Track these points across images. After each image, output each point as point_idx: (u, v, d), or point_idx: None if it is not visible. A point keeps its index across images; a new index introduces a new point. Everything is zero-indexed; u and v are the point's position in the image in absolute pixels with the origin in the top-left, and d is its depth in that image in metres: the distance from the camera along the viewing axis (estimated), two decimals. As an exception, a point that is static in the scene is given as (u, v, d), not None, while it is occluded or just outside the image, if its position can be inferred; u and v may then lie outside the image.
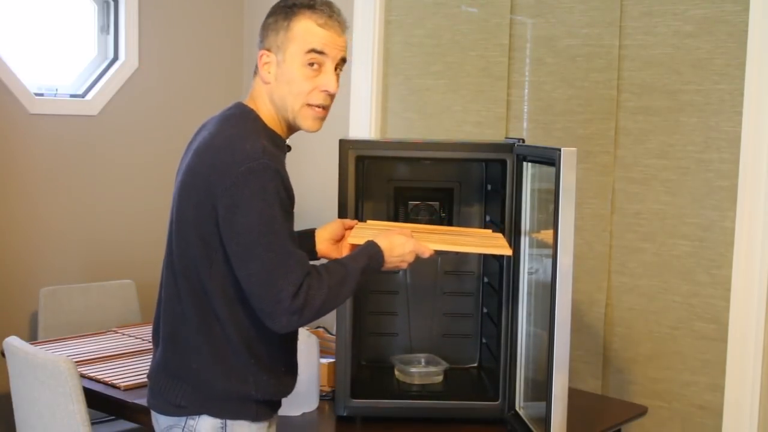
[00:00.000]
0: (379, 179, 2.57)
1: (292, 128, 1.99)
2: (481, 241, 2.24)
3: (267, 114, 1.94)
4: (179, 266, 1.89)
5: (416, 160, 2.62)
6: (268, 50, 1.92)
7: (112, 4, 3.55)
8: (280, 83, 1.92)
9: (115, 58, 3.57)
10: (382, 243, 1.96)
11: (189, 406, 1.89)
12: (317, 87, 1.92)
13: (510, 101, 3.19)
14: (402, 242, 1.98)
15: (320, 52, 1.90)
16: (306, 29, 1.90)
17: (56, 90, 3.45)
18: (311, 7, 1.92)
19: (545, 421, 2.12)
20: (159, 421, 1.97)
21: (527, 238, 2.38)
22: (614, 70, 2.93)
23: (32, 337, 3.26)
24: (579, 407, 2.51)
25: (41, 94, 3.38)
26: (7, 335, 2.67)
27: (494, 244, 2.21)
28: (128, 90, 3.57)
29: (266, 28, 1.94)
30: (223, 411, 1.89)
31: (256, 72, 1.97)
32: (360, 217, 2.51)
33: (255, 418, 1.91)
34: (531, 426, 2.27)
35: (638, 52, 2.89)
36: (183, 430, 1.90)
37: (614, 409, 2.67)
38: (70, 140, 3.44)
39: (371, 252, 1.94)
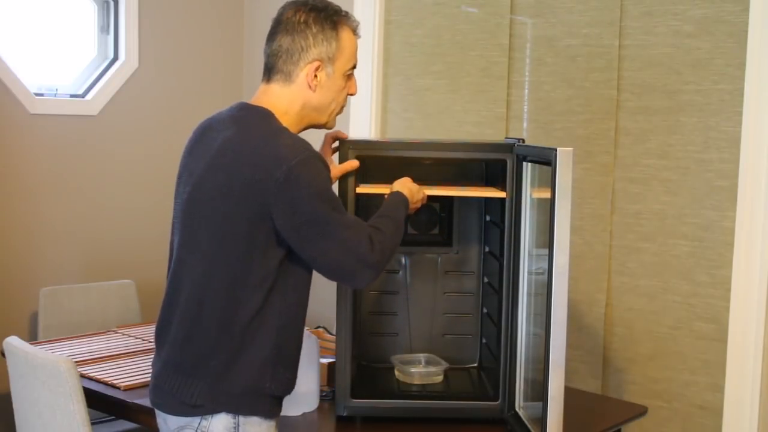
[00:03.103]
0: (379, 179, 2.56)
1: (305, 128, 2.05)
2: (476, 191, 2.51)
3: (283, 114, 1.98)
4: (208, 264, 1.92)
5: (416, 160, 2.62)
6: (320, 61, 1.97)
7: (112, 4, 3.55)
8: (324, 92, 2.00)
9: (115, 58, 3.57)
10: (405, 191, 2.20)
11: (205, 404, 1.90)
12: (346, 93, 2.07)
13: (510, 101, 3.19)
14: (417, 189, 2.25)
15: (356, 65, 2.06)
16: (350, 41, 2.02)
17: (56, 90, 3.45)
18: (346, 16, 2.02)
19: (541, 421, 2.13)
20: (168, 421, 1.97)
21: (527, 239, 2.38)
22: (614, 70, 2.93)
23: (32, 337, 3.26)
24: (579, 407, 2.51)
25: (41, 94, 3.38)
26: (7, 335, 2.67)
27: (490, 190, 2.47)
28: (128, 90, 3.58)
29: (314, 37, 1.97)
30: (240, 407, 1.91)
31: (272, 77, 1.99)
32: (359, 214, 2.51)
33: (268, 414, 1.94)
34: (530, 426, 2.27)
35: (638, 52, 2.89)
36: (196, 430, 1.91)
37: (614, 409, 2.67)
38: (70, 140, 3.44)
39: (402, 201, 2.18)
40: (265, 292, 1.90)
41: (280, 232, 1.88)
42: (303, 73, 1.97)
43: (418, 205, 2.28)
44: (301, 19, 1.97)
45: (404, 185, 2.23)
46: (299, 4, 2.00)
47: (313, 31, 1.96)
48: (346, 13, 2.03)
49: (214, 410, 1.90)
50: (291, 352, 1.99)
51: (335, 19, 1.99)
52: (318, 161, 1.91)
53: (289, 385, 2.00)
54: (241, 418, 1.91)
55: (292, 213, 1.86)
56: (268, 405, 1.95)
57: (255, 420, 1.92)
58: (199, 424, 1.91)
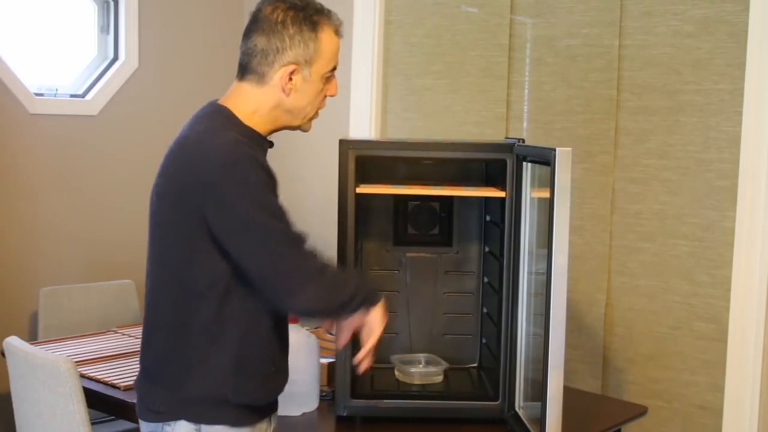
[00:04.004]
0: (379, 179, 2.57)
1: (278, 129, 1.96)
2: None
3: (252, 113, 1.90)
4: (159, 269, 1.87)
5: (416, 160, 2.62)
6: (296, 64, 1.87)
7: (112, 4, 3.55)
8: (299, 96, 1.89)
9: (115, 58, 3.57)
10: (379, 310, 1.94)
11: (167, 411, 1.87)
12: (324, 95, 1.95)
13: (510, 101, 3.19)
14: (380, 319, 1.95)
15: (336, 67, 1.94)
16: (330, 42, 1.89)
17: (56, 90, 3.45)
18: (327, 15, 1.90)
19: (540, 421, 2.13)
20: (142, 428, 1.96)
21: (527, 239, 2.38)
22: (614, 70, 2.93)
23: (32, 337, 3.26)
24: (579, 407, 2.51)
25: (41, 94, 3.38)
26: (7, 335, 2.66)
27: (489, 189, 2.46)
28: (128, 90, 3.57)
29: (290, 39, 1.85)
30: (200, 416, 1.85)
31: (245, 75, 1.90)
32: (359, 215, 2.51)
33: (235, 422, 1.86)
34: (529, 426, 2.27)
35: (638, 52, 2.89)
36: None
37: (614, 409, 2.67)
38: (70, 140, 3.44)
39: (368, 294, 1.92)
40: (216, 299, 1.81)
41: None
42: (277, 76, 1.86)
43: (374, 328, 1.95)
44: (279, 18, 1.85)
45: (382, 310, 1.96)
46: (276, 2, 1.88)
47: (290, 33, 1.85)
48: (329, 11, 1.91)
49: (175, 417, 1.86)
50: (255, 363, 1.88)
51: (315, 19, 1.87)
52: (252, 163, 1.78)
53: (258, 395, 1.90)
54: (204, 427, 1.85)
55: (221, 217, 1.77)
56: (234, 414, 1.86)
57: (219, 429, 1.85)
58: (162, 429, 1.88)
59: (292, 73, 1.86)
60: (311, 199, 3.64)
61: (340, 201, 2.38)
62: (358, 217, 2.43)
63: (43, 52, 3.44)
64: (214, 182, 1.76)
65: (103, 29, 3.56)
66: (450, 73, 3.32)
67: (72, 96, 3.49)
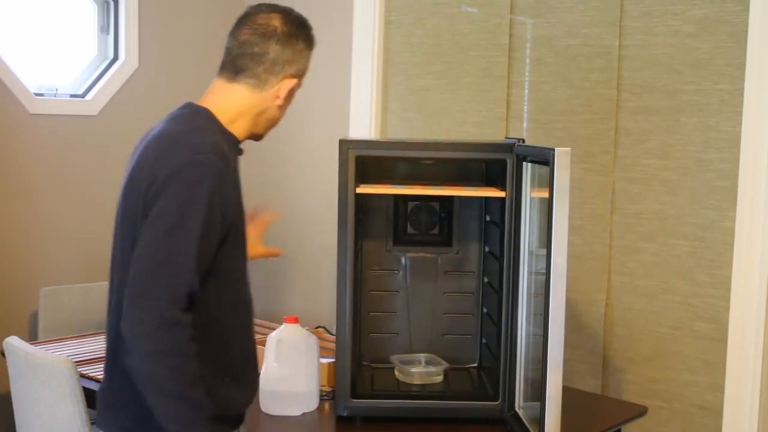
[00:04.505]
0: (378, 179, 2.57)
1: (249, 136, 1.96)
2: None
3: (232, 118, 1.88)
4: (121, 274, 1.79)
5: (416, 160, 2.62)
6: (297, 78, 1.92)
7: (112, 4, 3.55)
8: (283, 108, 1.94)
9: (115, 58, 3.57)
10: None
11: (131, 427, 1.84)
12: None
13: (510, 101, 3.19)
14: None
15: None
16: (309, 58, 1.95)
17: (56, 90, 3.45)
18: (312, 32, 1.95)
19: (539, 421, 2.13)
20: None
21: (527, 239, 2.38)
22: (614, 70, 2.93)
23: (32, 337, 3.26)
24: (579, 407, 2.52)
25: (41, 94, 3.38)
26: (7, 335, 2.67)
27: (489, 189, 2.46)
28: (128, 90, 3.58)
29: (299, 53, 1.90)
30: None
31: (240, 77, 1.89)
32: (360, 215, 2.51)
33: None
34: (529, 426, 2.27)
35: (638, 52, 2.89)
36: None
37: (614, 409, 2.67)
38: (70, 140, 3.44)
39: (204, 424, 1.74)
40: None
41: None
42: (279, 85, 1.89)
43: None
44: (291, 31, 1.89)
45: None
46: (283, 12, 1.91)
47: (300, 47, 1.90)
48: (309, 25, 1.96)
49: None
50: (207, 376, 1.76)
51: (310, 36, 1.94)
52: (213, 168, 1.73)
53: (213, 408, 1.77)
54: None
55: (151, 207, 1.72)
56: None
57: None
58: None
59: (293, 86, 1.91)
60: (311, 199, 3.64)
61: (340, 201, 2.38)
62: (358, 217, 2.43)
63: (43, 52, 3.44)
64: (171, 172, 1.72)
65: (103, 29, 3.56)
66: (450, 73, 3.32)
67: (72, 96, 3.49)
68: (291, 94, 1.93)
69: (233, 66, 1.90)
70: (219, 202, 1.74)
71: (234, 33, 1.92)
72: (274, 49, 1.87)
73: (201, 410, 1.72)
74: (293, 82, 1.91)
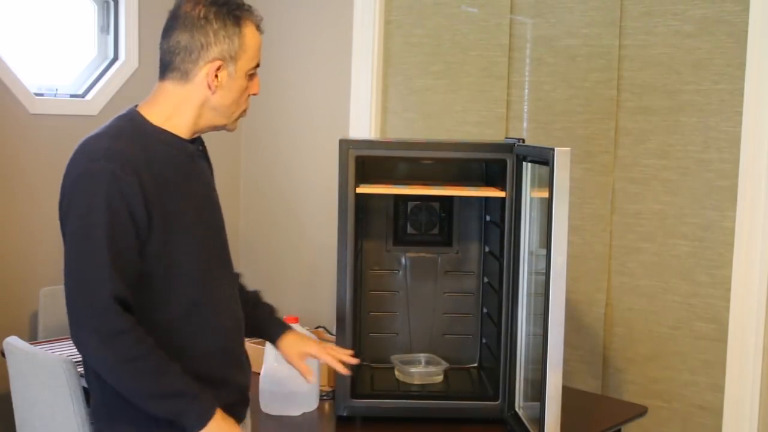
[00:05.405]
0: (379, 179, 2.57)
1: (204, 130, 1.91)
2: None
3: (167, 116, 1.86)
4: None
5: (416, 160, 2.62)
6: (222, 60, 1.81)
7: (112, 4, 3.55)
8: (225, 93, 1.84)
9: (115, 58, 3.57)
10: (213, 422, 1.75)
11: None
12: (248, 93, 1.90)
13: (510, 101, 3.19)
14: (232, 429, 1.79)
15: (259, 64, 1.89)
16: (253, 38, 1.84)
17: (56, 90, 3.45)
18: (249, 10, 1.86)
19: (539, 421, 2.13)
20: None
21: (527, 239, 2.38)
22: (614, 70, 2.93)
23: (32, 337, 3.26)
24: (579, 407, 2.52)
25: (41, 94, 3.38)
26: (7, 335, 2.67)
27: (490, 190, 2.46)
28: (128, 90, 3.57)
29: (215, 34, 1.80)
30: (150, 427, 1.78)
31: (166, 74, 1.85)
32: (360, 214, 2.51)
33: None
34: (529, 426, 2.27)
35: (638, 52, 2.89)
36: None
37: (614, 409, 2.67)
38: (71, 140, 3.39)
39: (189, 407, 1.74)
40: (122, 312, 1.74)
41: None
42: (202, 73, 1.81)
43: None
44: (201, 14, 1.79)
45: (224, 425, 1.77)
46: None
47: (214, 28, 1.79)
48: (249, 6, 1.86)
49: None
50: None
51: (238, 14, 1.82)
52: (104, 175, 1.75)
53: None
54: None
55: (63, 228, 1.82)
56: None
57: None
58: None
59: (218, 69, 1.81)
60: (311, 199, 3.64)
61: (340, 201, 2.38)
62: (358, 216, 2.44)
63: (43, 52, 3.44)
64: (68, 190, 1.84)
65: (103, 29, 3.56)
66: (450, 73, 3.32)
67: (72, 96, 3.48)
68: (224, 77, 1.82)
69: (161, 64, 1.87)
70: (123, 205, 1.74)
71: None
72: (183, 38, 1.81)
73: (184, 393, 1.73)
74: (216, 65, 1.80)
